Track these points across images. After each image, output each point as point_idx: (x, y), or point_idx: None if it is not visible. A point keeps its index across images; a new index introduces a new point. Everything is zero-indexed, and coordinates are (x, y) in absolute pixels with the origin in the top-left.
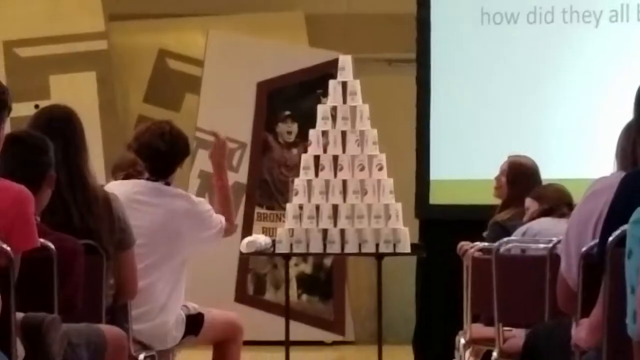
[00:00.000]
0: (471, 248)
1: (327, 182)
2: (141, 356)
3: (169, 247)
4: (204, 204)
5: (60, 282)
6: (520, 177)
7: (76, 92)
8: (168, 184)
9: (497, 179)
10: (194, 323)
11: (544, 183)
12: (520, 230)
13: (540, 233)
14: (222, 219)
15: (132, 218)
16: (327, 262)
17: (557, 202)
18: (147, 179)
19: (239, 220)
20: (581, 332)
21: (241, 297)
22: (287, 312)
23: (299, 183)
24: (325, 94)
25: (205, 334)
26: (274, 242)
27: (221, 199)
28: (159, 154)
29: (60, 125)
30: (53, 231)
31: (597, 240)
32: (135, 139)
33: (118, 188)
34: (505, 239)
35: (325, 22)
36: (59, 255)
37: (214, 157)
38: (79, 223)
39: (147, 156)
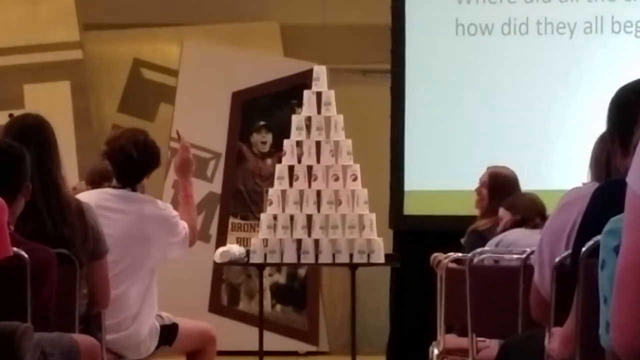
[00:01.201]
0: (445, 258)
1: (301, 192)
2: None
3: (139, 253)
4: (170, 209)
5: (33, 291)
6: (500, 188)
7: (51, 101)
8: (134, 190)
9: (478, 191)
10: (168, 333)
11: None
12: (494, 240)
13: (514, 244)
14: (186, 226)
15: (102, 226)
16: (301, 272)
17: (529, 212)
18: (114, 187)
19: (213, 230)
20: (554, 342)
21: (215, 307)
22: (261, 322)
23: (273, 193)
24: (299, 104)
25: (178, 344)
26: (248, 252)
27: (185, 209)
28: (131, 161)
29: (34, 134)
30: (26, 240)
31: (570, 251)
32: (108, 142)
33: (84, 197)
34: (478, 250)
35: (300, 33)
36: (32, 265)
37: (177, 163)
38: (52, 232)
39: (118, 161)
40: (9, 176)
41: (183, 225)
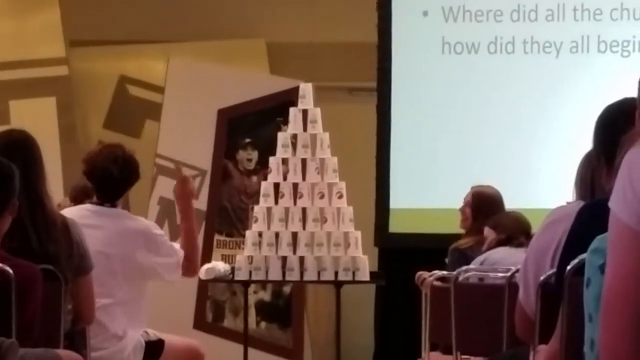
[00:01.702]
0: (430, 276)
1: (286, 209)
2: None
3: (123, 270)
4: (156, 227)
5: (18, 307)
6: (483, 207)
7: (36, 117)
8: (114, 206)
9: (462, 210)
10: (153, 349)
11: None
12: (479, 259)
13: (499, 262)
14: (182, 253)
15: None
16: (286, 289)
17: (514, 231)
18: (93, 203)
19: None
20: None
21: (200, 324)
22: (246, 339)
23: (258, 210)
24: (285, 121)
25: None
26: (233, 269)
27: (186, 242)
28: (112, 179)
29: (19, 149)
30: (12, 257)
31: (555, 269)
32: (87, 161)
33: (65, 213)
34: (464, 268)
35: (287, 50)
36: (17, 282)
37: (177, 196)
38: (37, 248)
39: (97, 179)
40: None
41: (178, 251)
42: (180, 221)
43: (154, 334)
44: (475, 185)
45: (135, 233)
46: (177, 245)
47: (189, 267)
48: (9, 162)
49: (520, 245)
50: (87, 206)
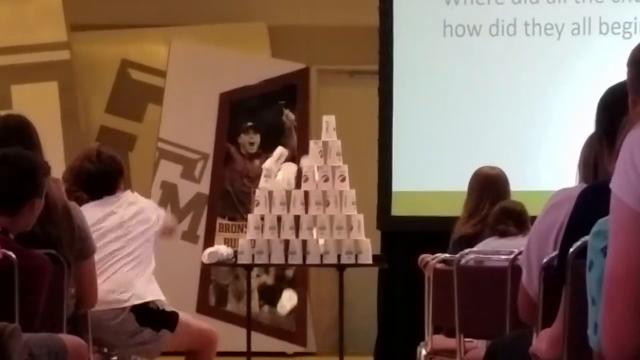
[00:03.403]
0: (432, 259)
1: (288, 193)
2: None
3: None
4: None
5: (25, 295)
6: (482, 188)
7: (38, 102)
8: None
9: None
10: (169, 318)
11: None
12: (478, 246)
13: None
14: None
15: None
16: (289, 273)
17: (494, 223)
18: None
19: (201, 231)
20: (541, 342)
21: (203, 308)
22: (249, 323)
23: (260, 194)
24: (287, 105)
25: (180, 337)
26: (235, 253)
27: None
28: (89, 175)
29: (17, 134)
30: (23, 247)
31: (557, 252)
32: (69, 170)
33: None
34: (466, 251)
35: (288, 34)
36: (28, 272)
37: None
38: (39, 232)
39: (81, 181)
40: (15, 188)
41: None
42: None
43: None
44: (482, 166)
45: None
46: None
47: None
48: (33, 159)
49: (506, 233)
50: (86, 205)
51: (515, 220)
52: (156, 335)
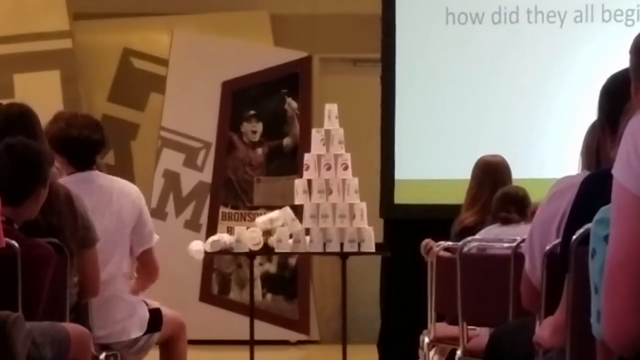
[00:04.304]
0: (437, 247)
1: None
2: (102, 355)
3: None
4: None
5: (29, 285)
6: (482, 175)
7: (40, 90)
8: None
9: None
10: (155, 318)
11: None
12: (481, 233)
13: (500, 235)
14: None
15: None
16: (292, 261)
17: (497, 211)
18: (70, 174)
19: (203, 219)
20: (544, 331)
21: (206, 296)
22: (252, 311)
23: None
24: (290, 93)
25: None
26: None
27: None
28: (71, 142)
29: (19, 123)
30: (28, 237)
31: (560, 239)
32: (46, 133)
33: None
34: (469, 238)
35: (291, 22)
36: (30, 261)
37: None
38: (42, 221)
39: (63, 147)
40: (19, 178)
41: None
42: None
43: (150, 302)
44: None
45: (130, 197)
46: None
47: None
48: (39, 150)
49: (508, 220)
50: (65, 178)
51: (517, 205)
52: (150, 339)
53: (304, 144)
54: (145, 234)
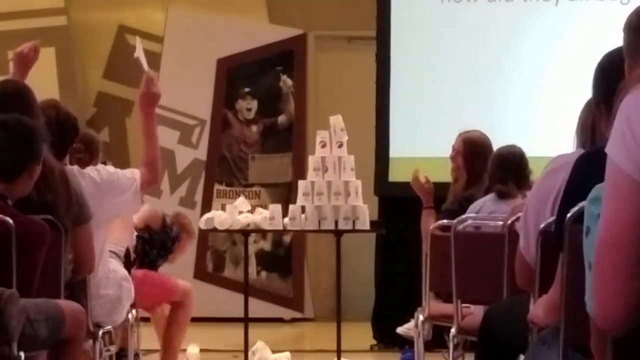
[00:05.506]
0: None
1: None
2: (100, 332)
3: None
4: (105, 169)
5: (23, 261)
6: (476, 154)
7: (35, 67)
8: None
9: (453, 158)
10: None
11: None
12: (474, 207)
13: (495, 212)
14: (137, 174)
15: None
16: (287, 239)
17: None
18: None
19: (198, 197)
20: (538, 309)
21: (200, 273)
22: (246, 289)
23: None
24: (285, 71)
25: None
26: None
27: (147, 145)
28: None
29: (14, 100)
30: (22, 214)
31: (554, 218)
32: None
33: None
34: (463, 216)
35: None
36: (24, 238)
37: (142, 95)
38: (35, 198)
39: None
40: (13, 154)
41: (131, 178)
42: (144, 125)
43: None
44: (462, 131)
45: (94, 187)
46: (129, 173)
47: (155, 176)
48: (33, 126)
49: (504, 194)
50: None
51: (514, 174)
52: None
53: (299, 121)
54: (123, 183)
